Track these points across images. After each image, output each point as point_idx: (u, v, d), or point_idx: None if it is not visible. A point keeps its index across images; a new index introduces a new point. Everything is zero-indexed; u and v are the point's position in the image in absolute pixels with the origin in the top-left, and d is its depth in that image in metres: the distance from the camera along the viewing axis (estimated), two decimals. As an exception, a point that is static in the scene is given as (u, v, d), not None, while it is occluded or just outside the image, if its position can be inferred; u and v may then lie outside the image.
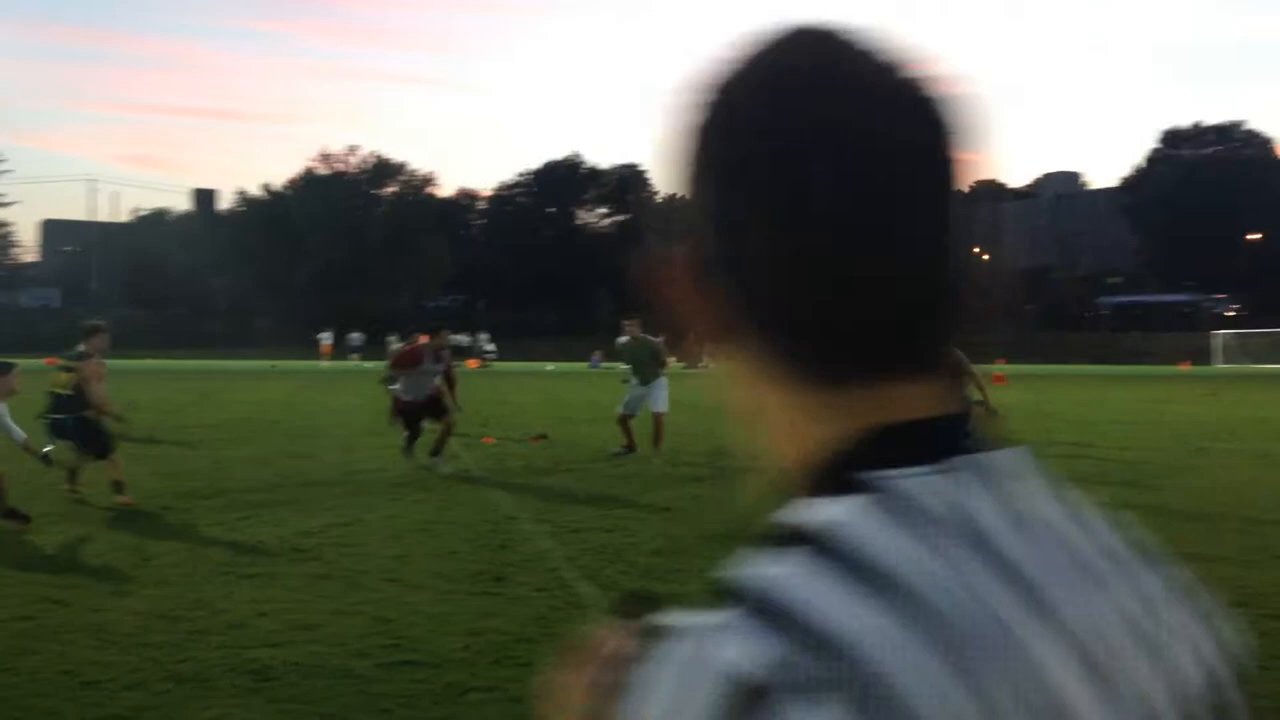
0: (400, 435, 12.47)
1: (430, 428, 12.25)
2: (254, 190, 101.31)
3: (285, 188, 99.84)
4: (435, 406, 12.21)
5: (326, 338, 60.35)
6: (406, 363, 12.37)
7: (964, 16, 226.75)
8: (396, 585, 6.49)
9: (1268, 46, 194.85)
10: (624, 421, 13.64)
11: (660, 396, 13.46)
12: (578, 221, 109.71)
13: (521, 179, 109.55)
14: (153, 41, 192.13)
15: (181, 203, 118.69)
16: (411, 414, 12.23)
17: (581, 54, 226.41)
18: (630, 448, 13.43)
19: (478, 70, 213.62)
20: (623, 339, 14.23)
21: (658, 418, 13.34)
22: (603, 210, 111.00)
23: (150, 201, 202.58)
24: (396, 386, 12.30)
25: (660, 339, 13.57)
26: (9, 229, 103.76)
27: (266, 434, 16.53)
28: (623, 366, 14.81)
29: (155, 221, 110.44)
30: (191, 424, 17.84)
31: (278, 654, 5.09)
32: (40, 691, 4.57)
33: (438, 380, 12.42)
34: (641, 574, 6.83)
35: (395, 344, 18.74)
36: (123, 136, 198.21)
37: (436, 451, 11.88)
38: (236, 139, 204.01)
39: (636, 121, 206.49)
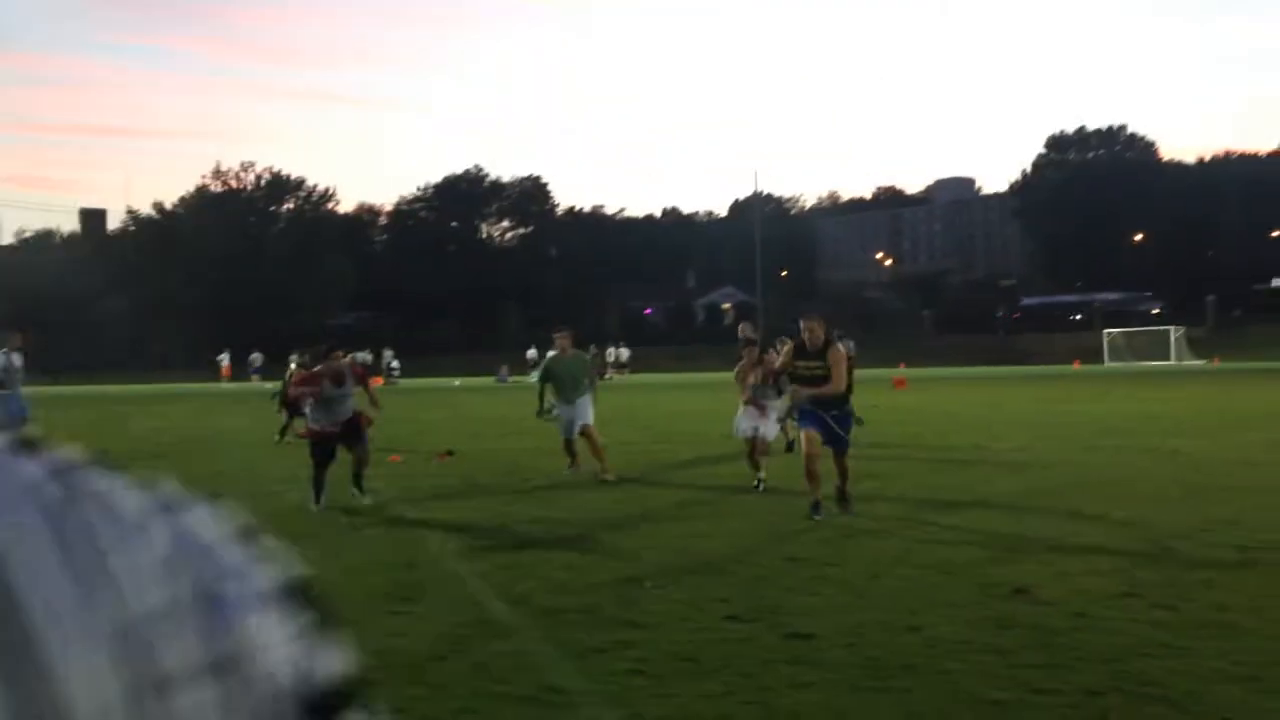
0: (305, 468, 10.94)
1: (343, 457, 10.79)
2: (146, 209, 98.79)
3: (178, 206, 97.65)
4: (352, 433, 10.72)
5: (225, 359, 59.15)
6: (304, 392, 11.05)
7: (856, 24, 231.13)
8: (303, 609, 6.40)
9: (1148, 49, 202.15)
10: (569, 447, 12.90)
11: (585, 410, 12.67)
12: (481, 235, 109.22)
13: (423, 193, 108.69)
14: (35, 59, 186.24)
15: (69, 223, 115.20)
16: (324, 443, 10.63)
17: (480, 67, 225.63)
18: (573, 459, 12.82)
19: (375, 85, 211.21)
20: (548, 354, 13.28)
21: (586, 430, 12.56)
22: (506, 223, 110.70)
23: (36, 223, 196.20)
24: (305, 413, 11.17)
25: (591, 352, 13.25)
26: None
27: (165, 459, 16.15)
28: (532, 379, 14.04)
29: (41, 243, 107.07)
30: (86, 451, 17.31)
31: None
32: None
33: (354, 403, 10.86)
34: (553, 589, 6.85)
35: (296, 362, 18.32)
36: (4, 156, 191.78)
37: (358, 483, 10.67)
38: (126, 157, 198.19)
39: (537, 133, 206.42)
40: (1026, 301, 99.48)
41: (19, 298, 79.53)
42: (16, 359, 16.43)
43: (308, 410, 11.08)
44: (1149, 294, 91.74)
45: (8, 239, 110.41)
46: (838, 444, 9.45)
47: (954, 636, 5.49)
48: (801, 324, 9.63)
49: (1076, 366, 62.48)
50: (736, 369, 12.47)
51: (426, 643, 5.61)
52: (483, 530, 9.19)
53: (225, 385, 54.63)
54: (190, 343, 75.25)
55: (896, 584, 6.73)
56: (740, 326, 13.97)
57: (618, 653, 5.35)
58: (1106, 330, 73.82)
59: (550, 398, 12.94)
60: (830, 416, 9.37)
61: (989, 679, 4.81)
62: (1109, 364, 67.29)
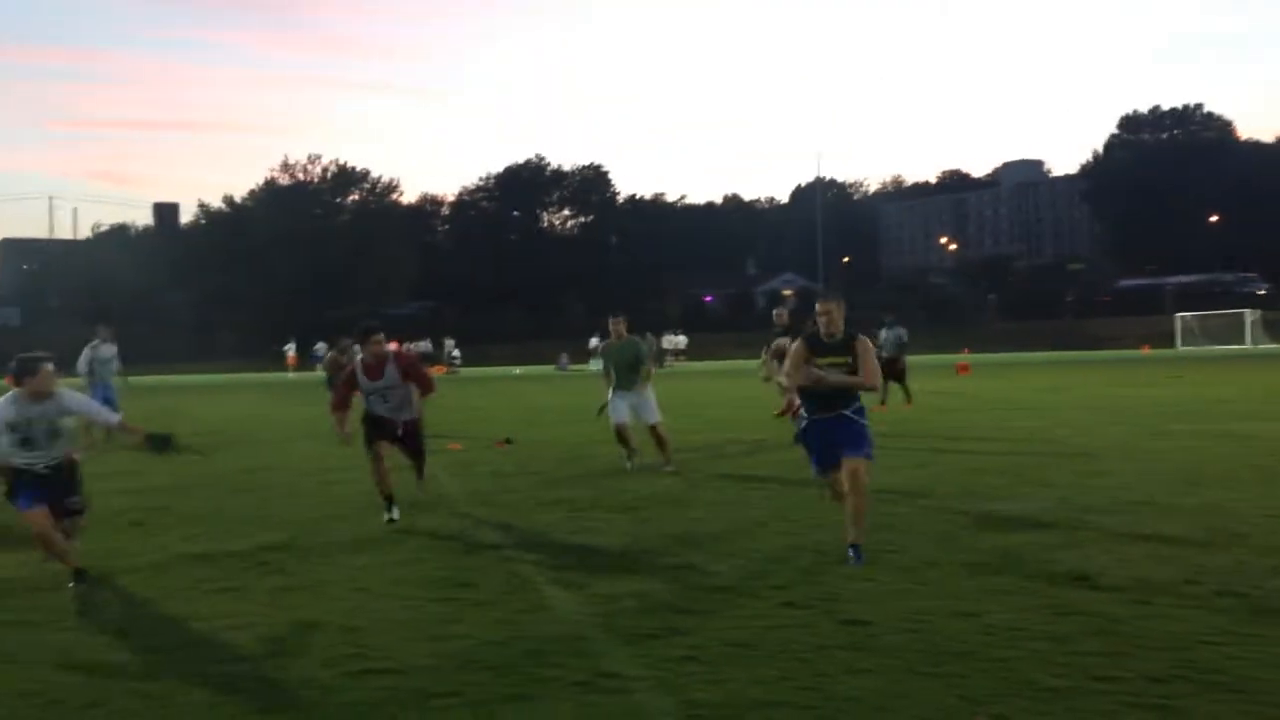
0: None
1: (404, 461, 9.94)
2: (216, 203, 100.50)
3: (247, 199, 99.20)
4: (411, 439, 9.70)
5: (291, 349, 59.99)
6: (346, 387, 9.63)
7: (925, 5, 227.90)
8: (362, 594, 6.50)
9: (1226, 28, 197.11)
10: (620, 432, 12.32)
11: (649, 406, 12.29)
12: (542, 224, 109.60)
13: (484, 183, 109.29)
14: (110, 56, 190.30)
15: (143, 217, 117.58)
16: (379, 427, 9.47)
17: (542, 56, 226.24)
18: (630, 451, 12.27)
19: (437, 75, 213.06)
20: (598, 341, 12.80)
21: (655, 430, 12.23)
22: (567, 212, 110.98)
23: (112, 217, 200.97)
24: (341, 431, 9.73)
25: (648, 339, 12.22)
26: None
27: (232, 447, 16.46)
28: (592, 367, 13.23)
29: (116, 237, 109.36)
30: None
31: (243, 667, 5.10)
32: (1, 713, 4.56)
33: (414, 402, 9.56)
34: (608, 575, 6.87)
35: (336, 350, 18.25)
36: (83, 153, 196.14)
37: (419, 473, 10.07)
38: (197, 152, 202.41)
39: (598, 122, 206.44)
40: (1123, 284, 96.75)
41: (98, 290, 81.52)
42: (105, 350, 17.03)
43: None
44: (1253, 274, 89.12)
45: (84, 233, 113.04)
46: (856, 447, 7.11)
47: (1012, 624, 5.42)
48: (818, 308, 7.48)
49: (1145, 351, 61.27)
50: (779, 361, 10.60)
51: (482, 628, 5.66)
52: (539, 517, 9.24)
53: (291, 375, 55.43)
54: (258, 333, 76.43)
55: (955, 571, 6.65)
56: (775, 312, 12.86)
57: (671, 639, 5.35)
58: (1179, 314, 72.22)
59: (607, 386, 12.57)
60: (840, 416, 7.21)
61: (1047, 666, 4.74)
62: (1181, 348, 65.88)
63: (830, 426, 7.20)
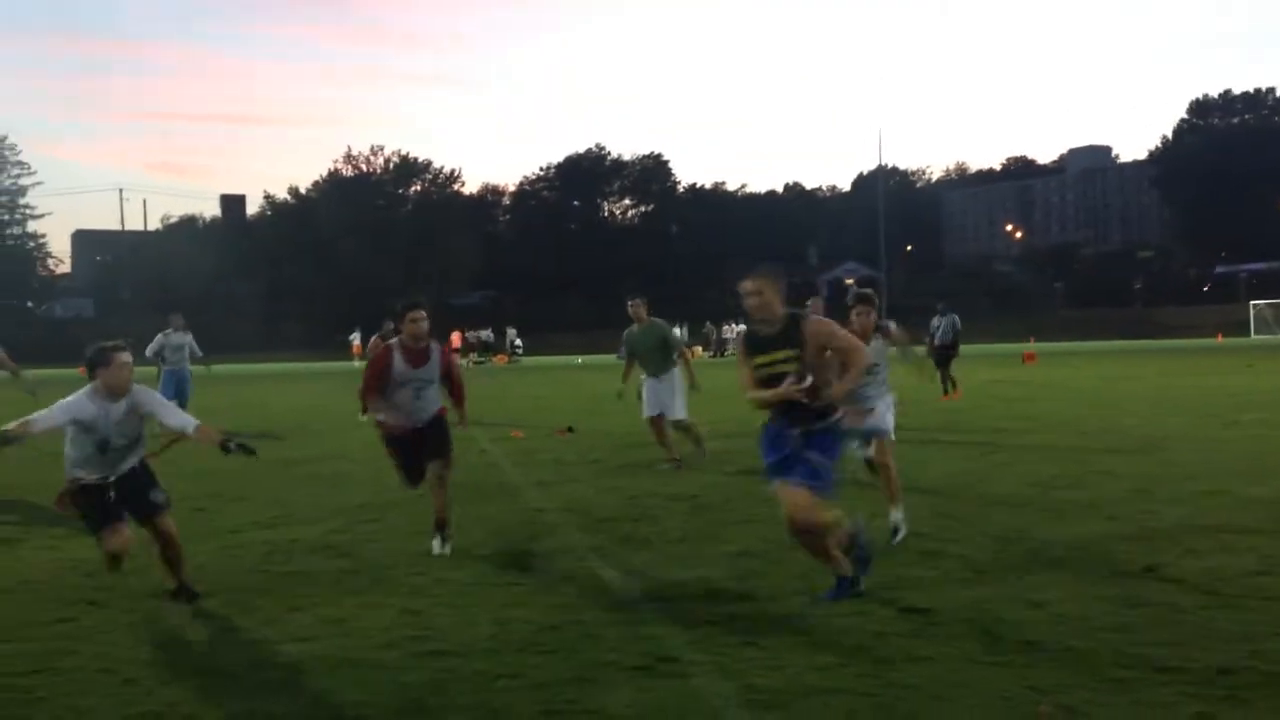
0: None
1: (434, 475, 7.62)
2: (282, 194, 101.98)
3: (311, 190, 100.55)
4: (436, 437, 7.59)
5: (356, 338, 60.71)
6: (376, 377, 7.57)
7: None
8: (424, 578, 6.59)
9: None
10: (655, 424, 11.63)
11: (677, 402, 11.46)
12: (603, 214, 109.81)
13: (545, 173, 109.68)
14: (176, 49, 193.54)
15: (211, 209, 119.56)
16: (404, 448, 7.66)
17: (599, 45, 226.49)
18: (676, 460, 11.41)
19: (496, 65, 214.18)
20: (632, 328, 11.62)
21: (680, 426, 11.61)
22: (627, 201, 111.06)
23: (180, 209, 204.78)
24: (380, 416, 7.63)
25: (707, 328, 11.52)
26: (42, 240, 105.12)
27: (296, 435, 16.71)
28: (619, 360, 12.10)
29: (185, 229, 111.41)
30: (222, 427, 18.00)
31: (308, 648, 5.19)
32: (79, 690, 4.69)
33: (439, 399, 7.71)
34: (667, 561, 6.90)
35: (379, 335, 17.95)
36: (151, 145, 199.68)
37: (441, 526, 7.49)
38: (263, 144, 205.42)
39: (658, 111, 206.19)
40: (1220, 270, 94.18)
41: (167, 281, 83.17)
42: (177, 338, 17.46)
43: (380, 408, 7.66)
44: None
45: (154, 225, 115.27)
46: (812, 482, 5.55)
47: (1077, 614, 5.35)
48: (746, 288, 5.70)
49: (1219, 340, 59.99)
50: None
51: (543, 612, 5.71)
52: (599, 504, 9.28)
53: (356, 364, 56.12)
54: (323, 324, 77.50)
55: (1019, 560, 6.59)
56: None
57: (731, 625, 5.36)
58: (1253, 302, 70.52)
59: (640, 374, 11.80)
60: (802, 436, 5.60)
61: (1113, 656, 4.68)
62: (1255, 337, 64.39)
63: (785, 447, 5.67)
